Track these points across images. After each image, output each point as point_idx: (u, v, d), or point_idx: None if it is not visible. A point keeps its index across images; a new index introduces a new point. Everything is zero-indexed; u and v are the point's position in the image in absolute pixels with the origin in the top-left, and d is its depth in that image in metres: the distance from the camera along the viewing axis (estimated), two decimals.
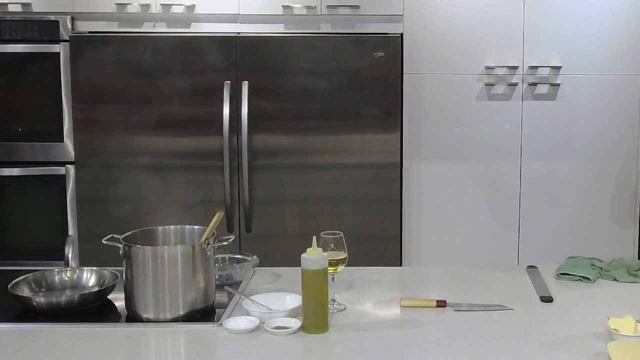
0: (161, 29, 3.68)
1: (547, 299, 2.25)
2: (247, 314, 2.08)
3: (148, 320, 2.08)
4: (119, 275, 2.21)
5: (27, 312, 2.14)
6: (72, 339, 1.99)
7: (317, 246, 2.03)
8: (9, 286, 2.18)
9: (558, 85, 3.69)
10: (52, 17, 3.64)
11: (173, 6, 3.64)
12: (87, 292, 2.23)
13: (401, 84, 3.63)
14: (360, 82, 3.54)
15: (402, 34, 3.64)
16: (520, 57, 3.68)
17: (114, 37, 3.58)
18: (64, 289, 2.29)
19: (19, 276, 2.25)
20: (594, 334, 1.97)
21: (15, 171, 3.71)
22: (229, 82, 3.50)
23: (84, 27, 3.68)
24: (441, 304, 2.19)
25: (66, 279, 2.31)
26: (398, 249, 3.66)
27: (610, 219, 3.77)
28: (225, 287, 2.27)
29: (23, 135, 3.72)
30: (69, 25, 3.64)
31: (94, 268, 2.35)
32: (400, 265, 3.65)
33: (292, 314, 2.06)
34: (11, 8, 3.67)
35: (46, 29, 3.65)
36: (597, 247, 3.70)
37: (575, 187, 3.75)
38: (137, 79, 3.54)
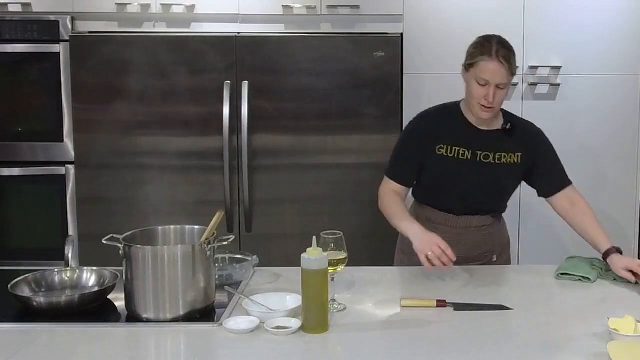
0: (161, 29, 3.68)
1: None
2: (247, 314, 2.08)
3: (148, 320, 2.08)
4: (119, 275, 2.21)
5: (27, 312, 2.14)
6: (72, 339, 1.99)
7: (317, 246, 2.04)
8: (9, 286, 2.18)
9: (558, 85, 3.69)
10: (52, 17, 3.64)
11: (173, 6, 3.64)
12: (87, 292, 2.23)
13: (401, 84, 3.63)
14: (360, 82, 3.54)
15: (402, 34, 3.64)
16: (520, 57, 3.66)
17: (114, 37, 3.58)
18: (64, 289, 2.29)
19: (19, 276, 2.26)
20: (594, 334, 1.97)
21: (15, 171, 3.71)
22: (229, 82, 3.50)
23: (84, 27, 3.68)
24: (441, 304, 2.19)
25: (66, 279, 2.31)
26: None
27: (610, 219, 3.76)
28: (225, 287, 2.27)
29: (23, 135, 3.72)
30: (69, 25, 3.64)
31: (94, 268, 2.35)
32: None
33: (292, 314, 2.06)
34: (11, 8, 3.67)
35: (46, 29, 3.65)
36: None
37: (574, 186, 3.74)
38: (137, 79, 3.54)
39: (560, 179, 2.74)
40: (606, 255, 2.50)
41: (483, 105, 2.55)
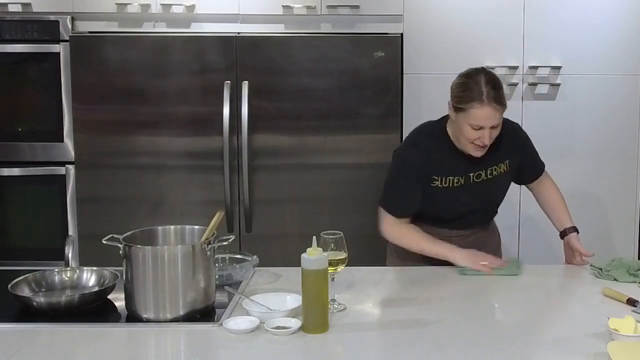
0: (161, 29, 3.68)
1: None
2: (247, 314, 2.08)
3: (148, 320, 2.08)
4: (119, 275, 2.21)
5: (27, 312, 2.14)
6: (72, 339, 2.00)
7: (317, 246, 2.04)
8: (9, 286, 2.19)
9: (558, 85, 3.69)
10: (52, 17, 3.64)
11: (173, 6, 3.64)
12: (87, 292, 2.23)
13: (401, 84, 3.63)
14: (360, 82, 3.54)
15: (402, 34, 3.64)
16: (520, 57, 3.68)
17: (114, 37, 3.58)
18: (64, 289, 2.29)
19: (19, 276, 2.26)
20: (594, 334, 1.97)
21: (15, 171, 3.71)
22: (229, 82, 3.50)
23: (84, 27, 3.68)
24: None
25: (66, 279, 2.31)
26: None
27: (610, 219, 3.77)
28: (225, 287, 2.27)
29: (23, 135, 3.72)
30: (69, 25, 3.64)
31: (94, 268, 2.35)
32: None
33: (292, 314, 2.06)
34: (11, 8, 3.66)
35: (46, 29, 3.65)
36: (597, 247, 3.70)
37: (575, 187, 3.74)
38: (137, 79, 3.54)
39: (538, 166, 2.81)
40: (564, 233, 2.74)
41: (477, 145, 2.48)
